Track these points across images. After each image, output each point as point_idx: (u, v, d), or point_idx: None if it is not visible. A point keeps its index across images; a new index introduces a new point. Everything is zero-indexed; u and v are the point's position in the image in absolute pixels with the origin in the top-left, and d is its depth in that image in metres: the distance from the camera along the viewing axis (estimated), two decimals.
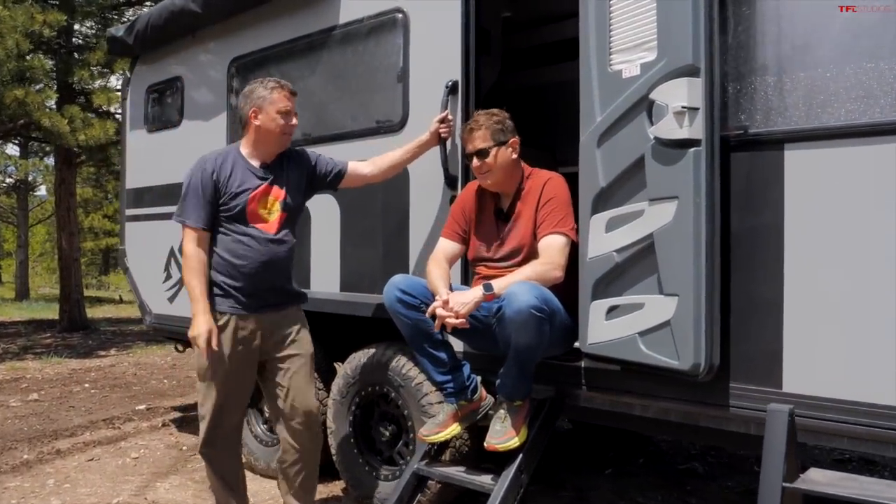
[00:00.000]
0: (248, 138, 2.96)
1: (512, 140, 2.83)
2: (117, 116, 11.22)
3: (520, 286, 2.49)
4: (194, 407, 6.11)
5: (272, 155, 2.98)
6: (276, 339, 2.98)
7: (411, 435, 3.32)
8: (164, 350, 9.50)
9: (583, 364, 2.80)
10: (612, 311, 2.59)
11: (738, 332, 2.40)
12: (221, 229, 2.90)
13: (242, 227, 2.89)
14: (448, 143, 3.19)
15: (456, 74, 3.19)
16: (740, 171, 2.40)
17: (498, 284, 2.58)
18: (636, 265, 2.51)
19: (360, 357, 3.55)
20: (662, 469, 4.31)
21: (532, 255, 2.78)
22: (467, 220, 2.96)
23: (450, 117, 3.16)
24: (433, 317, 2.68)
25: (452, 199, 3.21)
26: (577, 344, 2.90)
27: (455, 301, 2.57)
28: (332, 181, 3.17)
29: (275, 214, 2.95)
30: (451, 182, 3.21)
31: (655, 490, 3.90)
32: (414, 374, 3.29)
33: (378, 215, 3.55)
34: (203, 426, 2.97)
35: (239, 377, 2.93)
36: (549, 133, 4.30)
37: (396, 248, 3.46)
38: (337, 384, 3.64)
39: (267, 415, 4.14)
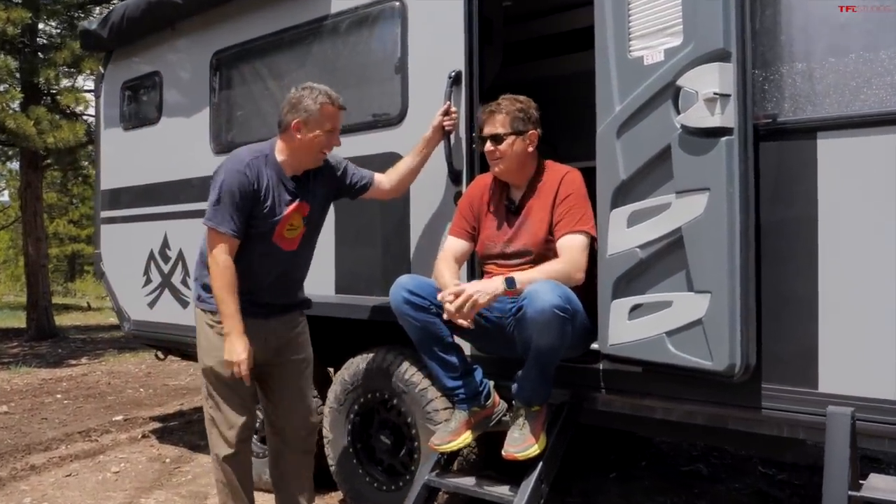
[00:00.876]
0: (287, 146, 2.76)
1: (531, 132, 2.69)
2: (86, 118, 10.88)
3: (542, 284, 2.35)
4: (174, 417, 5.89)
5: (304, 169, 2.81)
6: (278, 344, 2.84)
7: (416, 443, 3.16)
8: (138, 357, 9.20)
9: (601, 366, 2.67)
10: (635, 311, 2.46)
11: (769, 329, 2.28)
12: (244, 244, 2.71)
13: (265, 243, 2.74)
14: (452, 136, 3.03)
15: (458, 65, 3.04)
16: (770, 161, 2.28)
17: (520, 279, 2.44)
18: (662, 261, 2.38)
19: (358, 362, 3.38)
20: (666, 471, 4.21)
21: (545, 253, 2.63)
22: (476, 215, 2.81)
23: (453, 109, 3.01)
24: (441, 318, 2.54)
25: (457, 195, 3.06)
26: (594, 345, 2.77)
27: (474, 288, 2.41)
28: (356, 193, 3.03)
29: (297, 231, 2.81)
30: (455, 177, 3.06)
31: (663, 494, 3.78)
32: (418, 379, 3.13)
33: (375, 213, 3.39)
34: (215, 433, 2.81)
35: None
36: (551, 128, 4.16)
37: (396, 248, 3.30)
38: (334, 391, 3.47)
39: (258, 425, 3.95)
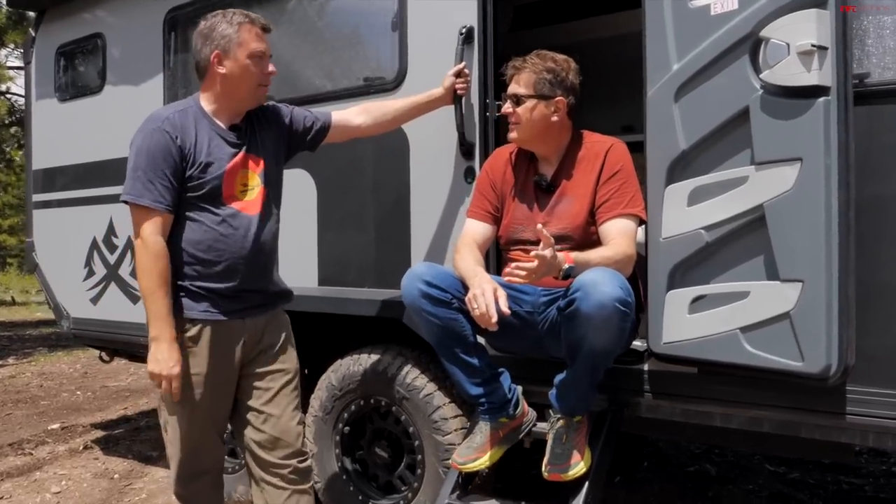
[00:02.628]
0: (211, 91, 2.25)
1: (558, 99, 2.28)
2: (9, 96, 9.99)
3: (599, 274, 1.96)
4: (118, 423, 5.32)
5: (242, 113, 2.30)
6: (258, 351, 2.32)
7: (419, 456, 2.75)
8: (72, 356, 8.47)
9: (647, 367, 2.31)
10: (697, 303, 2.11)
11: (858, 324, 1.96)
12: (187, 214, 2.19)
13: (217, 210, 2.20)
14: (464, 101, 2.62)
15: (469, 19, 2.63)
16: (860, 128, 1.95)
17: (577, 258, 2.04)
18: (735, 245, 2.03)
19: (347, 365, 2.94)
20: (672, 473, 3.91)
21: (585, 239, 2.25)
22: (499, 194, 2.41)
23: (466, 71, 2.59)
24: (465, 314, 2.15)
25: (468, 170, 2.65)
26: (636, 343, 2.42)
27: (520, 265, 1.99)
28: (313, 138, 2.50)
29: (255, 191, 2.28)
30: (466, 150, 2.64)
31: (679, 499, 3.48)
32: (422, 383, 2.72)
33: (367, 192, 2.95)
34: (175, 464, 2.29)
35: (218, 400, 2.27)
36: None
37: (393, 233, 2.87)
38: (318, 398, 3.02)
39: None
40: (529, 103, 2.26)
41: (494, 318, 2.00)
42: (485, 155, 2.61)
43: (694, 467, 3.98)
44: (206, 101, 2.27)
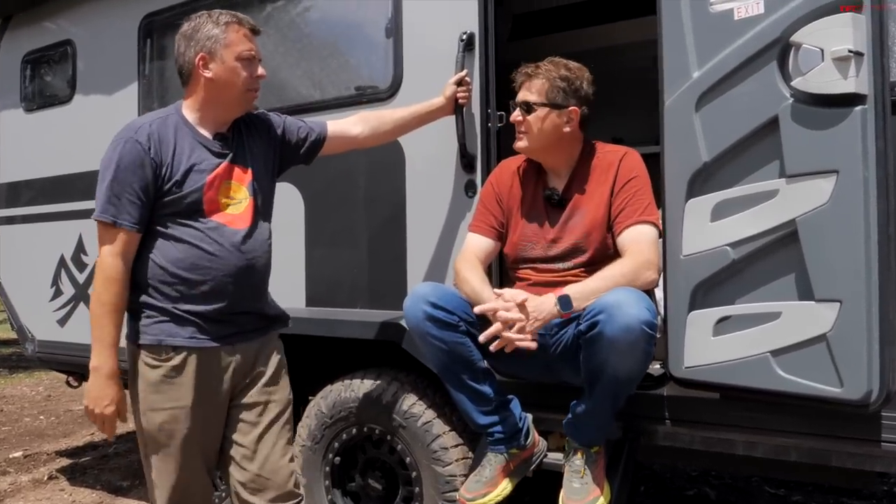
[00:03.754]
0: (195, 98, 2.07)
1: (571, 108, 2.16)
2: None
3: (623, 294, 1.82)
4: (85, 451, 5.04)
5: (229, 121, 2.12)
6: (249, 380, 2.13)
7: (416, 489, 2.57)
8: (34, 378, 8.10)
9: (665, 392, 2.18)
10: (722, 324, 1.98)
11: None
12: (166, 230, 2.00)
13: (199, 224, 2.01)
14: (465, 111, 2.48)
15: (469, 25, 2.50)
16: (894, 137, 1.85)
17: (576, 295, 1.91)
18: (764, 262, 1.91)
19: (338, 391, 2.76)
20: (671, 497, 3.78)
21: (602, 253, 2.12)
22: (505, 209, 2.27)
23: (468, 79, 2.46)
24: (473, 337, 2.00)
25: (469, 184, 2.51)
26: (652, 367, 2.28)
27: (533, 312, 1.87)
28: (308, 151, 2.32)
29: (242, 203, 2.09)
30: (468, 163, 2.50)
31: None
32: (420, 410, 2.55)
33: (360, 206, 2.79)
34: None
35: (207, 435, 2.07)
36: None
37: (388, 250, 2.71)
38: (307, 426, 2.83)
39: None
40: (541, 112, 2.13)
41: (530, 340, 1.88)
42: (487, 167, 2.47)
43: (693, 491, 3.85)
44: (189, 109, 2.10)
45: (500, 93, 2.50)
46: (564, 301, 1.89)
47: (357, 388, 2.70)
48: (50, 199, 3.84)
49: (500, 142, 2.52)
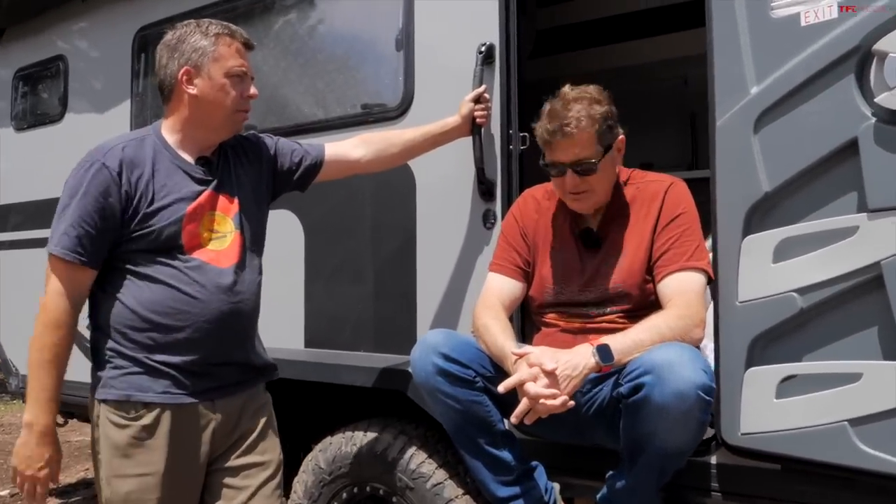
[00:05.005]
0: (177, 117, 1.81)
1: (620, 138, 1.87)
2: None
3: (675, 352, 1.52)
4: (78, 489, 4.76)
5: (214, 144, 1.86)
6: (232, 441, 1.84)
7: None
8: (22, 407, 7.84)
9: (714, 460, 1.86)
10: (787, 384, 1.67)
11: None
12: (138, 267, 1.73)
13: (177, 262, 1.74)
14: (483, 132, 2.20)
15: (489, 36, 2.23)
16: None
17: (617, 346, 1.61)
18: (839, 313, 1.61)
19: (339, 443, 2.46)
20: None
21: (643, 300, 1.82)
22: (530, 245, 1.97)
23: (487, 96, 2.18)
24: (491, 395, 1.70)
25: (487, 213, 2.23)
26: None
27: (565, 371, 1.57)
28: (302, 176, 2.05)
29: (228, 237, 1.82)
30: (486, 190, 2.22)
31: None
32: (429, 469, 2.25)
33: (365, 238, 2.50)
34: None
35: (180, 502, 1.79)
36: None
37: (396, 287, 2.42)
38: (303, 482, 2.53)
39: None
40: (602, 163, 1.81)
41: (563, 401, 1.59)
42: (508, 195, 2.19)
43: None
44: (169, 129, 1.83)
45: (523, 111, 2.22)
46: (604, 352, 1.59)
47: (359, 441, 2.41)
48: (38, 224, 3.58)
49: (523, 166, 2.24)
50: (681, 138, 3.94)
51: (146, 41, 3.18)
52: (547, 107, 1.83)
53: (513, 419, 1.61)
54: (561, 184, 1.85)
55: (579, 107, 1.79)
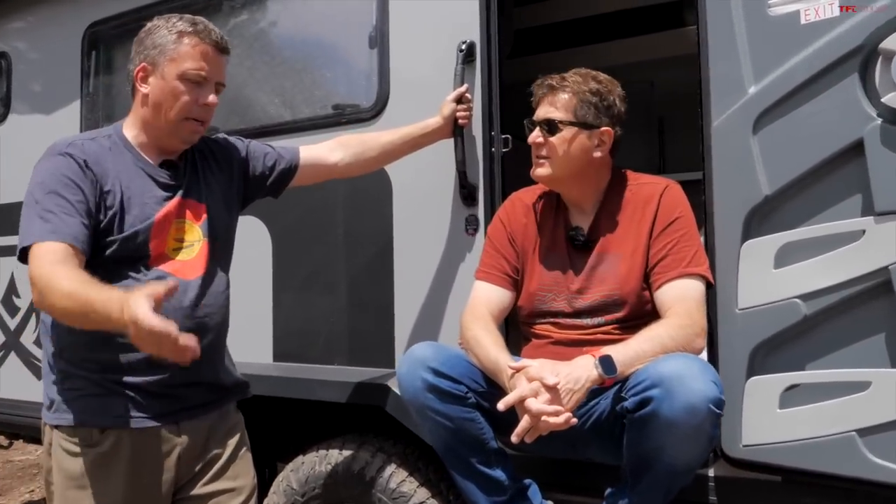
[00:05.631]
0: (134, 116, 1.69)
1: (604, 129, 1.80)
2: None
3: (684, 364, 1.44)
4: None
5: (175, 150, 1.72)
6: (199, 467, 1.70)
7: None
8: None
9: (712, 472, 1.79)
10: (791, 394, 1.62)
11: None
12: (98, 279, 1.53)
13: (137, 273, 1.60)
14: (465, 133, 2.11)
15: (469, 34, 2.14)
16: None
17: (619, 357, 1.53)
18: (845, 319, 1.56)
19: (312, 462, 2.32)
20: None
21: (638, 308, 1.74)
22: (519, 251, 1.88)
23: (468, 96, 2.09)
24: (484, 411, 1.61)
25: (470, 219, 2.13)
26: None
27: (567, 385, 1.48)
28: (275, 182, 1.92)
29: (195, 247, 1.68)
30: (468, 194, 2.12)
31: None
32: (409, 488, 2.13)
33: (338, 246, 2.38)
34: None
35: None
36: None
37: (372, 297, 2.31)
38: None
39: None
40: (567, 132, 1.76)
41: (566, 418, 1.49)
42: (491, 200, 2.10)
43: None
44: (130, 129, 1.69)
45: (504, 113, 2.14)
46: (607, 364, 1.50)
47: (334, 459, 2.28)
48: None
49: (504, 170, 2.15)
50: (649, 143, 3.91)
51: (97, 38, 3.00)
52: None
53: (514, 438, 1.51)
54: (531, 142, 1.83)
55: (577, 77, 1.80)
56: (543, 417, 1.46)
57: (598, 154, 1.81)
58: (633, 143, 3.94)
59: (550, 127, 1.77)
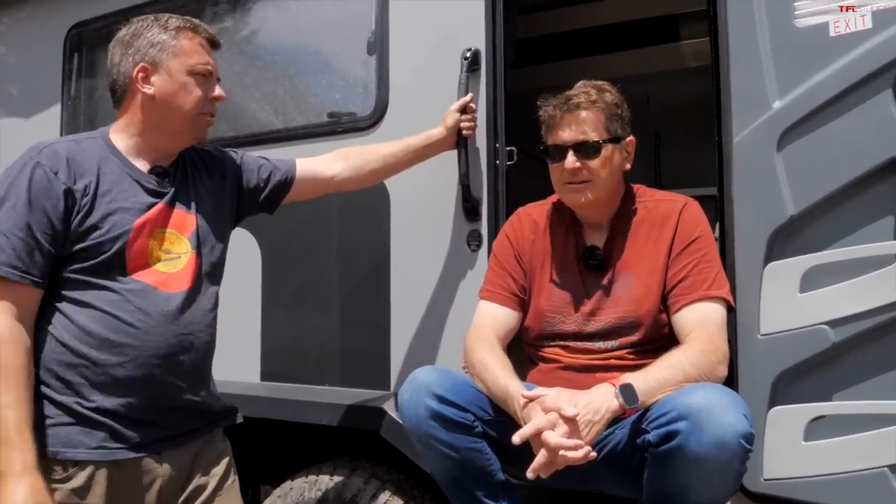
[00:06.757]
0: (129, 120, 1.58)
1: (629, 139, 1.72)
2: None
3: (712, 395, 1.34)
4: None
5: (173, 153, 1.63)
6: (183, 498, 1.58)
7: None
8: None
9: None
10: (817, 426, 1.53)
11: None
12: (70, 293, 1.47)
13: (117, 284, 1.48)
14: (469, 144, 2.01)
15: (474, 41, 2.04)
16: None
17: (640, 386, 1.43)
18: (877, 347, 1.49)
19: (301, 489, 2.20)
20: None
21: (655, 332, 1.65)
22: (526, 269, 1.78)
23: (473, 106, 2.00)
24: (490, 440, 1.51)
25: (473, 234, 2.03)
26: None
27: (586, 416, 1.38)
28: (269, 196, 1.81)
29: (182, 259, 1.57)
30: (471, 209, 2.02)
31: None
32: None
33: (331, 260, 2.27)
34: None
35: None
36: None
37: (367, 315, 2.19)
38: None
39: None
40: (605, 151, 1.67)
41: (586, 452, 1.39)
42: (495, 215, 2.00)
43: None
44: (120, 135, 1.59)
45: (509, 123, 2.05)
46: (628, 393, 1.40)
47: (324, 485, 2.16)
48: None
49: (508, 184, 2.06)
50: (644, 158, 3.84)
51: (80, 39, 2.87)
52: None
53: (529, 474, 1.40)
54: (559, 171, 1.70)
55: (593, 90, 1.71)
56: (562, 452, 1.35)
57: (627, 166, 1.75)
58: None
59: (587, 149, 1.66)
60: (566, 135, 1.68)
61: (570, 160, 1.66)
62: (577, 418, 1.37)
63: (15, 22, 3.12)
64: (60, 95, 2.90)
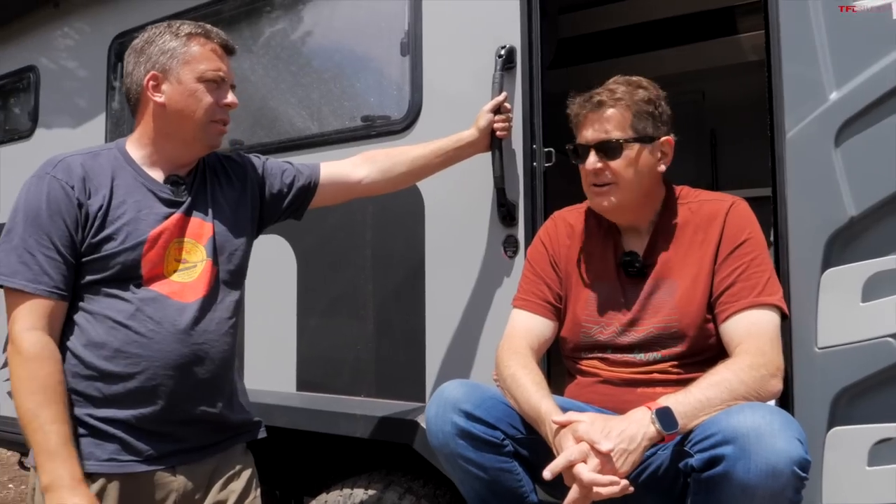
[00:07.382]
0: (143, 130, 1.57)
1: (664, 139, 1.61)
2: None
3: (763, 416, 1.22)
4: None
5: (189, 162, 1.60)
6: None
7: None
8: None
9: None
10: (882, 449, 1.39)
11: None
12: (84, 304, 1.47)
13: (130, 294, 1.47)
14: (504, 146, 1.92)
15: (509, 38, 1.96)
16: None
17: (679, 408, 1.31)
18: None
19: (335, 501, 2.15)
20: None
21: (701, 342, 1.53)
22: (562, 277, 1.69)
23: (508, 105, 1.91)
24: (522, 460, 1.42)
25: (509, 240, 1.94)
26: None
27: (620, 445, 1.28)
28: (294, 202, 1.77)
29: (198, 268, 1.54)
30: (507, 213, 1.93)
31: None
32: None
33: (366, 268, 2.21)
34: None
35: None
36: None
37: (402, 325, 2.13)
38: None
39: None
40: (630, 151, 1.56)
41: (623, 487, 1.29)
42: (531, 219, 1.91)
43: None
44: (135, 144, 1.58)
45: (546, 124, 1.96)
46: (666, 417, 1.29)
47: (359, 499, 2.11)
48: None
49: (547, 187, 1.96)
50: (700, 157, 3.68)
51: (123, 49, 2.90)
52: None
53: None
54: (584, 173, 1.62)
55: (621, 87, 1.60)
56: (596, 488, 1.26)
57: (662, 168, 1.62)
58: (682, 158, 3.73)
59: (609, 149, 1.56)
60: (589, 134, 1.59)
61: (592, 160, 1.57)
62: (611, 451, 1.27)
63: (68, 31, 3.18)
64: (105, 105, 2.94)
